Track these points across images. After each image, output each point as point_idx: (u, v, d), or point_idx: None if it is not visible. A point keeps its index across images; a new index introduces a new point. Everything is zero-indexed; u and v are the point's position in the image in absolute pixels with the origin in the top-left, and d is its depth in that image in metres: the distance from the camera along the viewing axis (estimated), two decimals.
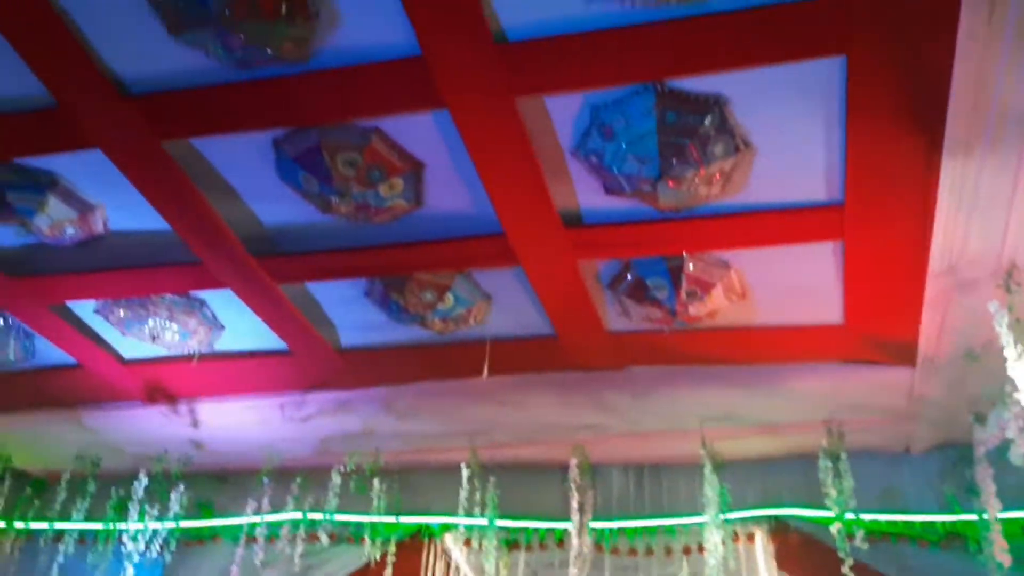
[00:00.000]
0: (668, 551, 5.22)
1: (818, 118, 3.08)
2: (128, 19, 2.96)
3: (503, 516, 5.24)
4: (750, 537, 5.18)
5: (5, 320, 4.80)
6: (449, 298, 4.29)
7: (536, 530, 5.41)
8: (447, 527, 5.57)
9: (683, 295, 3.90)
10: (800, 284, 3.90)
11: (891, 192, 3.25)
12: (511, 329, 4.55)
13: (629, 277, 3.95)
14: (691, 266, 3.83)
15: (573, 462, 5.10)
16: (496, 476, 5.21)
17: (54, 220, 3.87)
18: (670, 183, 3.27)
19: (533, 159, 3.36)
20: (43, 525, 5.76)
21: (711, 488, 4.77)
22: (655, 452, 5.32)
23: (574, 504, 5.02)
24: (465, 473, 5.17)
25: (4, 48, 3.11)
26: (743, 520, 5.11)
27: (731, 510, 4.88)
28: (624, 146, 3.20)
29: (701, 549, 4.94)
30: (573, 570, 4.89)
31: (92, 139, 3.45)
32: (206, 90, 3.22)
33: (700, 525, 4.90)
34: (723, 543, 4.67)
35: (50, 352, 5.02)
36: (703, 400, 4.69)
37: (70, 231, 3.97)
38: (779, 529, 5.09)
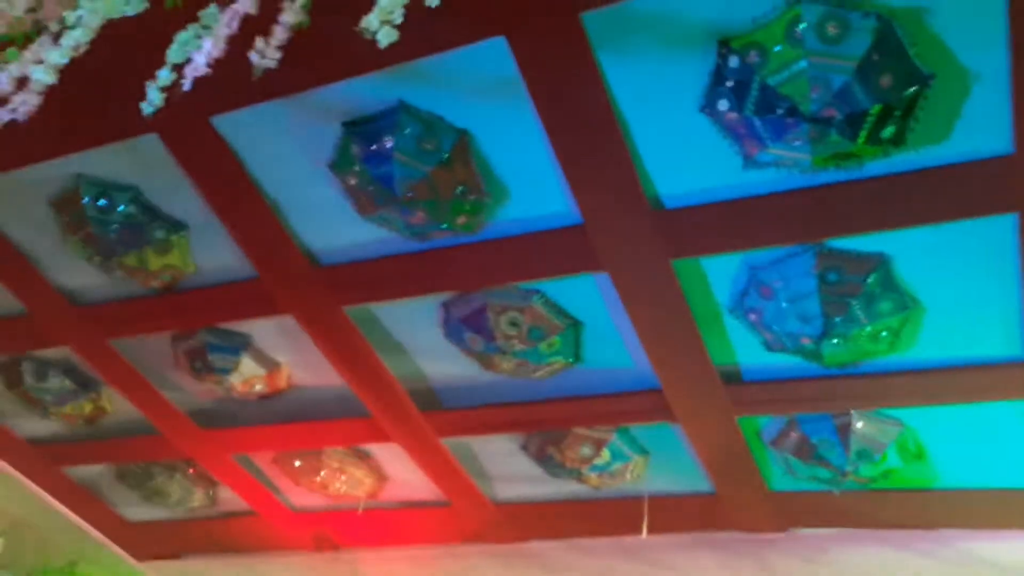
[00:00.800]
0: None
1: (990, 274, 3.00)
2: (324, 202, 3.35)
3: None
4: None
5: (195, 469, 5.19)
6: (606, 453, 4.30)
7: None
8: None
9: (852, 454, 3.74)
10: (986, 444, 3.66)
11: None
12: (669, 486, 4.47)
13: (793, 435, 3.84)
14: (860, 424, 3.69)
15: None
16: None
17: (245, 377, 4.25)
18: (835, 340, 3.23)
19: (689, 317, 3.42)
20: None
21: None
22: None
23: None
24: None
25: (217, 229, 3.57)
26: None
27: None
28: (784, 305, 3.21)
29: None
30: None
31: (285, 306, 3.83)
32: (385, 260, 3.54)
33: None
34: None
35: (231, 499, 5.36)
36: (879, 565, 4.35)
37: (258, 387, 4.33)
38: None
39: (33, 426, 5.05)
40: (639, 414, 4.03)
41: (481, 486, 4.83)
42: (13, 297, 4.15)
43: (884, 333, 3.23)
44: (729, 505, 4.39)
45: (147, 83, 2.15)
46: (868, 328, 3.20)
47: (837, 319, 3.17)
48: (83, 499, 5.55)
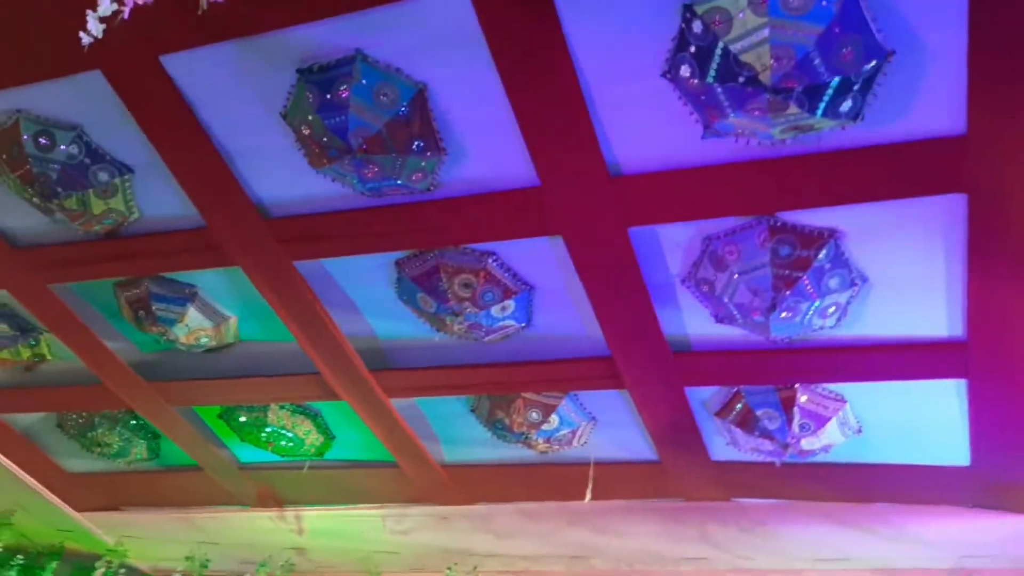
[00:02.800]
0: None
1: (939, 253, 3.04)
2: (276, 152, 3.26)
3: None
4: None
5: (137, 420, 5.10)
6: (554, 419, 4.31)
7: None
8: None
9: (795, 427, 3.80)
10: (921, 422, 3.74)
11: (1019, 332, 3.13)
12: (615, 453, 4.51)
13: (739, 406, 3.89)
14: (804, 398, 3.74)
15: None
16: None
17: (191, 329, 4.16)
18: (783, 315, 3.26)
19: (642, 285, 3.42)
20: None
21: None
22: None
23: None
24: None
25: (163, 173, 3.46)
26: None
27: None
28: (736, 276, 3.23)
29: None
30: None
31: (233, 257, 3.74)
32: (338, 215, 3.47)
33: None
34: None
35: (174, 453, 5.28)
36: (817, 538, 4.46)
37: (204, 340, 4.25)
38: None
39: None
40: (589, 380, 4.04)
41: (429, 448, 4.82)
42: None
43: (832, 309, 3.27)
44: (673, 473, 4.44)
45: (87, 12, 2.05)
46: (817, 303, 3.23)
47: (787, 292, 3.19)
48: (21, 447, 5.41)
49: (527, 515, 5.01)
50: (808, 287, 3.17)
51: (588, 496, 4.50)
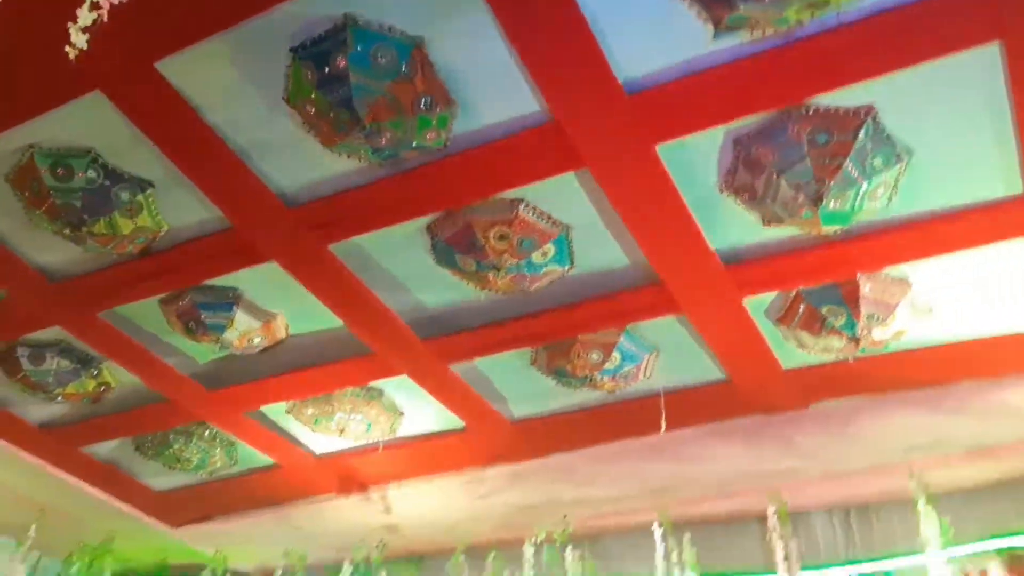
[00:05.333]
0: None
1: (981, 111, 2.87)
2: (286, 138, 3.21)
3: (704, 575, 5.01)
4: (983, 574, 4.68)
5: (210, 432, 5.18)
6: (616, 356, 4.25)
7: None
8: None
9: (863, 320, 3.67)
10: (993, 290, 3.58)
11: None
12: (683, 380, 4.44)
13: (801, 308, 3.77)
14: (867, 287, 3.61)
15: (771, 510, 4.83)
16: (691, 532, 5.02)
17: (241, 332, 4.18)
18: (831, 205, 3.13)
19: (680, 203, 3.32)
20: None
21: (928, 524, 4.37)
22: (859, 491, 4.97)
23: (780, 555, 4.74)
24: (658, 533, 5.01)
25: (182, 182, 3.44)
26: (970, 556, 4.64)
27: (955, 545, 4.44)
28: (775, 176, 3.10)
29: None
30: None
31: (266, 253, 3.73)
32: (360, 190, 3.42)
33: (921, 566, 4.49)
34: None
35: (251, 456, 5.37)
36: (905, 429, 4.35)
37: (256, 340, 4.27)
38: (1015, 561, 4.58)
39: (41, 411, 5.02)
40: (643, 311, 3.96)
41: (497, 407, 4.80)
42: None
43: (881, 189, 3.12)
44: (745, 389, 4.36)
45: (68, 25, 2.01)
46: (864, 187, 3.09)
47: (831, 182, 3.06)
48: (107, 475, 5.56)
49: (605, 458, 4.98)
50: (853, 172, 3.03)
51: (663, 427, 4.44)
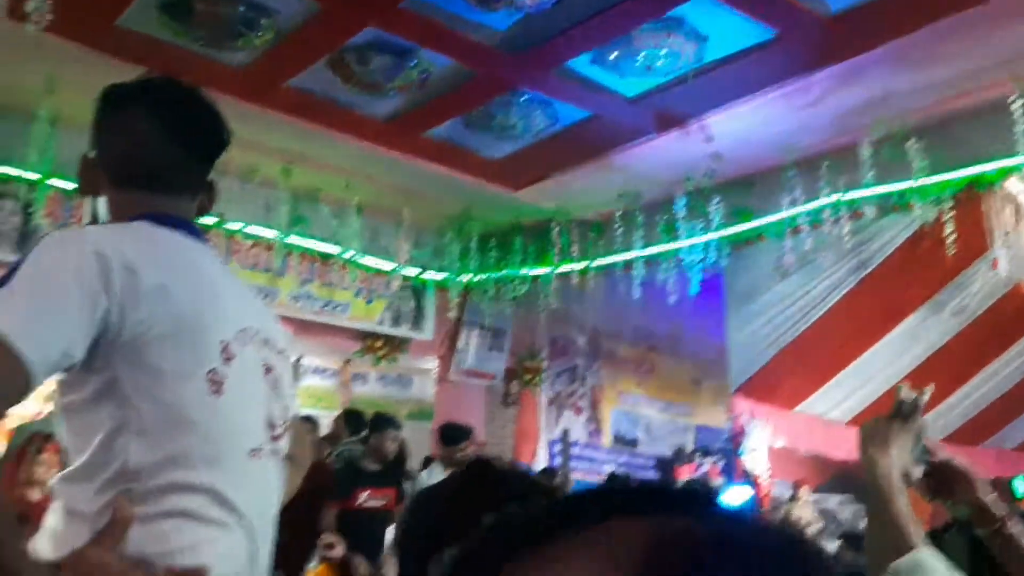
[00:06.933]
0: None
1: None
2: None
3: None
4: None
5: (525, 97, 5.41)
6: None
7: None
8: (1005, 171, 5.00)
9: None
10: None
11: None
12: None
13: None
14: None
15: None
16: None
17: None
18: None
19: None
20: (612, 259, 6.66)
21: None
22: None
23: None
24: (1017, 106, 4.50)
25: None
26: None
27: None
28: None
29: None
30: None
31: None
32: None
33: None
34: None
35: (568, 111, 5.56)
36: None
37: None
38: None
39: (383, 106, 5.52)
40: None
41: (808, 3, 4.38)
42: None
43: None
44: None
45: None
46: None
47: None
48: (451, 154, 6.07)
49: (941, 35, 4.43)
50: None
51: None
